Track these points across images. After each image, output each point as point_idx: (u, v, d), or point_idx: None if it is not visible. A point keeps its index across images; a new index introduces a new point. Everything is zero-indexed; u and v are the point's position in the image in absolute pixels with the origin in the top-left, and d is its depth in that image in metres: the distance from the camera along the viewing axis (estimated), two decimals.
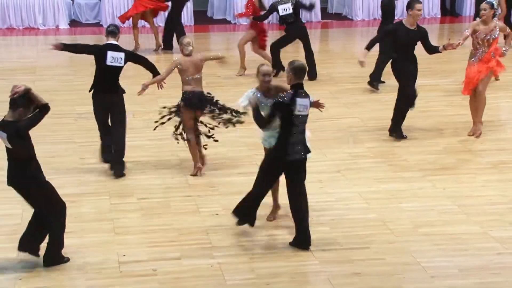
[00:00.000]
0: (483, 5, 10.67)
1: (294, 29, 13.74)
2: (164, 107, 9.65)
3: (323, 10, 19.93)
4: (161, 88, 9.66)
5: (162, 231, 8.02)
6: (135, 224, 8.18)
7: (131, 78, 14.26)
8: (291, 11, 13.50)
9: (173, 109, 9.59)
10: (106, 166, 9.68)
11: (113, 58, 9.51)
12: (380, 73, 12.98)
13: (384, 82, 12.97)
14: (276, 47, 13.82)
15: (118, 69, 9.56)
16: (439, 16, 19.50)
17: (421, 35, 10.52)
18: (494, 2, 10.82)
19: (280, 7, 13.51)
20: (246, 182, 8.87)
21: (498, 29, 10.64)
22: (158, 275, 7.15)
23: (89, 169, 9.73)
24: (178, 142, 9.59)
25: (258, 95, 7.94)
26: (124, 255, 7.50)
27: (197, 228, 8.09)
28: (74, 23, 19.04)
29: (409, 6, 10.49)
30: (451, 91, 13.09)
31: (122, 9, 18.52)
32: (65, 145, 10.65)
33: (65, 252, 7.48)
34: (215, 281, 7.05)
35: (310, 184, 9.07)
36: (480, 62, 10.67)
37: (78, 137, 10.97)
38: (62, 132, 11.20)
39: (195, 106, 9.39)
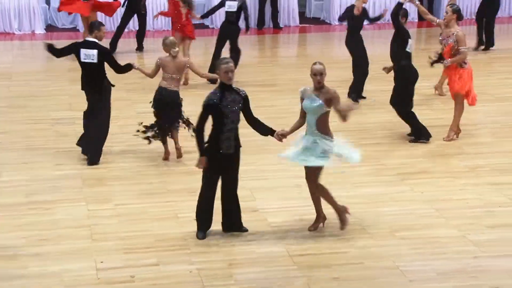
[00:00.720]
0: (447, 8, 10.71)
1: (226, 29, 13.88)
2: (140, 126, 10.22)
3: (301, 14, 20.01)
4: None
5: (140, 237, 8.01)
6: (112, 231, 8.17)
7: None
8: (235, 9, 13.53)
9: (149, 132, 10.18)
10: (83, 172, 9.69)
11: (86, 55, 9.77)
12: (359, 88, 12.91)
13: (365, 97, 12.92)
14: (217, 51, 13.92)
15: (94, 66, 9.79)
16: (416, 20, 19.63)
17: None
18: (458, 7, 10.74)
19: (227, 3, 13.55)
20: None
21: (454, 37, 10.50)
22: (136, 282, 7.14)
23: (65, 175, 9.69)
24: (149, 143, 10.15)
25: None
26: (101, 262, 7.48)
27: (176, 233, 8.09)
28: (50, 28, 18.98)
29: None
30: (429, 95, 13.19)
31: (98, 13, 18.45)
32: (41, 151, 10.60)
33: (41, 259, 7.47)
34: (194, 287, 7.06)
35: (288, 189, 9.15)
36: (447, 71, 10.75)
37: (54, 143, 10.93)
38: (37, 138, 11.16)
39: (161, 109, 10.01)
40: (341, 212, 8.12)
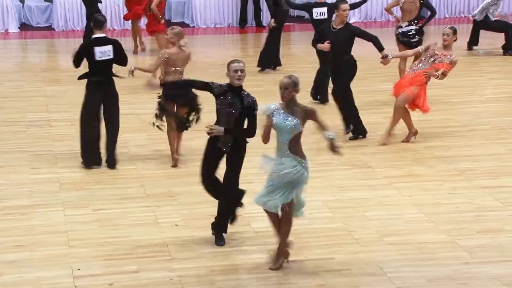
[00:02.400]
0: (446, 30, 10.90)
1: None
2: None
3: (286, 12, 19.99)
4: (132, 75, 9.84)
5: (118, 244, 7.98)
6: (90, 237, 8.14)
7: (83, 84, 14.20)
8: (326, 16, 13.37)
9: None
10: (60, 176, 9.66)
11: (102, 52, 9.68)
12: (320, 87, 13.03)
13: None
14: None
15: (110, 62, 9.79)
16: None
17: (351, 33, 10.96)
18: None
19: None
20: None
21: (449, 60, 10.72)
22: None
23: (41, 179, 9.65)
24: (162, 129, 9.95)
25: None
26: (78, 269, 7.45)
27: (156, 239, 8.07)
28: (24, 26, 18.90)
29: (335, 7, 11.04)
30: None
31: (75, 11, 18.46)
32: (15, 154, 10.55)
33: (16, 266, 7.43)
34: None
35: None
36: (414, 78, 10.83)
37: (29, 145, 10.88)
38: (12, 140, 11.10)
39: (171, 98, 9.71)
40: (283, 254, 7.47)
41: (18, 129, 11.56)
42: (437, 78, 10.82)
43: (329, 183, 9.56)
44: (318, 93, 12.97)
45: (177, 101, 9.76)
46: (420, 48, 11.24)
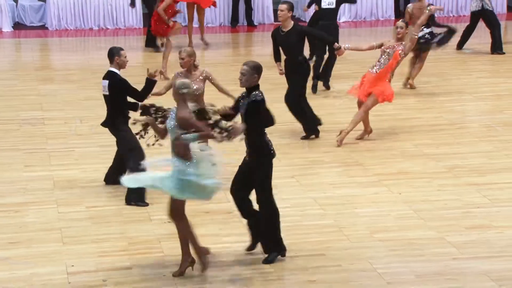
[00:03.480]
0: (399, 23, 10.93)
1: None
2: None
3: (276, 12, 19.95)
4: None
5: (112, 240, 7.98)
6: (84, 233, 8.13)
7: (76, 82, 14.21)
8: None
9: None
10: (54, 174, 9.65)
11: (103, 86, 8.96)
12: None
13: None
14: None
15: (106, 98, 8.95)
16: (393, 18, 19.73)
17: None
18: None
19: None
20: None
21: (401, 49, 10.68)
22: (108, 286, 7.11)
23: (35, 177, 9.63)
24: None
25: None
26: (72, 266, 7.44)
27: (149, 236, 8.07)
28: (18, 26, 18.85)
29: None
30: (405, 94, 13.26)
31: (69, 11, 18.42)
32: (9, 152, 10.53)
33: (10, 263, 7.43)
34: None
35: None
36: (377, 78, 10.82)
37: (22, 144, 10.85)
38: (6, 139, 11.08)
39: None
40: (202, 254, 7.28)
41: (11, 128, 11.53)
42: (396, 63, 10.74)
43: (320, 181, 9.57)
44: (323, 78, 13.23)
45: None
46: (374, 43, 11.19)
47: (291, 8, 10.89)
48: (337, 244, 7.93)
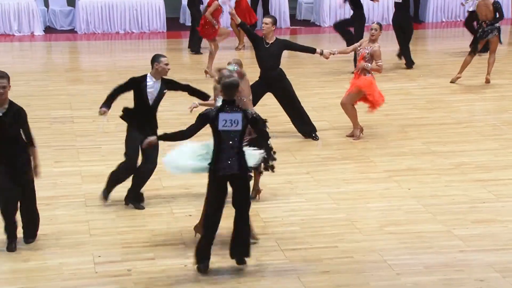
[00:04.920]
0: (374, 25, 10.85)
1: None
2: None
3: (292, 17, 19.99)
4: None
5: (136, 232, 7.98)
6: (109, 226, 8.14)
7: (104, 83, 14.23)
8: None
9: None
10: (83, 169, 9.65)
11: None
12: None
13: None
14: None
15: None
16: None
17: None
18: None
19: None
20: None
21: (370, 49, 10.60)
22: (133, 275, 7.12)
23: (65, 172, 9.66)
24: None
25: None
26: (99, 256, 7.45)
27: (171, 229, 8.07)
28: (49, 29, 18.92)
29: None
30: (415, 94, 13.21)
31: (97, 16, 18.47)
32: (40, 148, 10.46)
33: (41, 253, 7.45)
34: (189, 280, 7.04)
35: (281, 186, 9.15)
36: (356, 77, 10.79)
37: (53, 141, 10.88)
38: (37, 136, 10.93)
39: None
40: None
41: (43, 125, 11.56)
42: (370, 68, 10.62)
43: (333, 176, 9.54)
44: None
45: None
46: (356, 44, 11.13)
47: (274, 22, 10.83)
48: (350, 236, 7.90)
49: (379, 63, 10.65)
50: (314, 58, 15.66)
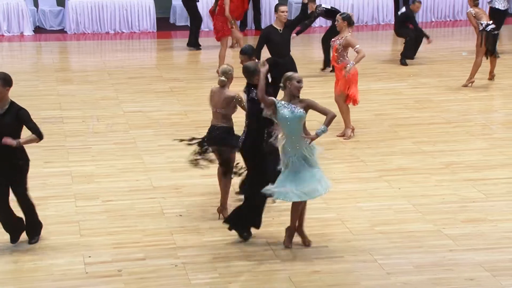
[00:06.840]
0: (338, 17, 10.96)
1: None
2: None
3: None
4: None
5: (126, 233, 7.98)
6: (100, 226, 8.13)
7: (93, 83, 14.22)
8: None
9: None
10: (72, 170, 9.63)
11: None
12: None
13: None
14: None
15: None
16: (394, 22, 19.66)
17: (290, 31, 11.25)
18: (349, 15, 10.97)
19: None
20: (209, 184, 8.92)
21: (342, 40, 10.64)
22: (123, 276, 7.11)
23: (54, 172, 9.64)
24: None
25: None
26: (89, 257, 7.44)
27: (162, 229, 8.07)
28: (38, 29, 18.86)
29: (275, 9, 11.16)
30: (405, 94, 13.23)
31: (86, 16, 18.43)
32: (30, 148, 10.47)
33: (32, 254, 7.44)
34: (180, 281, 7.04)
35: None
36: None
37: (43, 141, 10.79)
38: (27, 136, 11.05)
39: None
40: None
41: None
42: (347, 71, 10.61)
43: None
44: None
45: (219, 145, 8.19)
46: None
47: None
48: (340, 236, 7.91)
49: (356, 48, 10.62)
50: (304, 59, 15.71)
